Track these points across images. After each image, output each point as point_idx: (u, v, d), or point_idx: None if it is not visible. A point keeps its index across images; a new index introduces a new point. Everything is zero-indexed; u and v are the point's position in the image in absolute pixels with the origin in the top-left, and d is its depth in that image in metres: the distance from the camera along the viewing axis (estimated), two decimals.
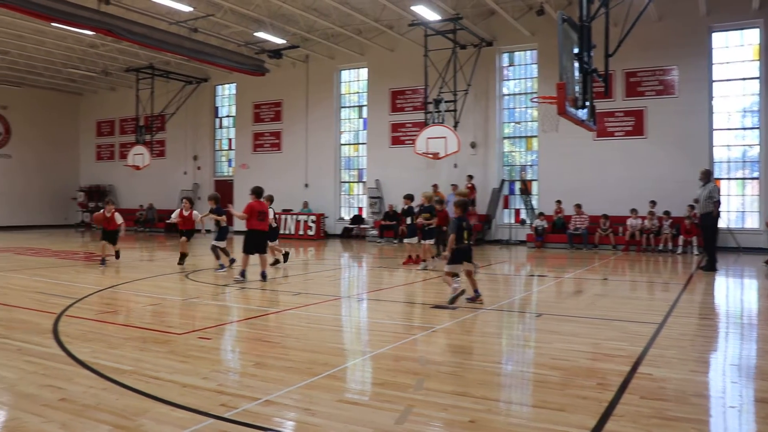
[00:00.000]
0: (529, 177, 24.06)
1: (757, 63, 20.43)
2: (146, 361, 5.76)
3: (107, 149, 35.75)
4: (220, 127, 32.14)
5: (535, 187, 23.82)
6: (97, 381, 5.07)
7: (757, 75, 20.41)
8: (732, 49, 21.00)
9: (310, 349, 6.33)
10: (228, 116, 31.79)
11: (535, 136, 23.78)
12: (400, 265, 15.02)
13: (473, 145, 23.99)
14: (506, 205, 24.12)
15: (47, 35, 24.82)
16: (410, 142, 24.01)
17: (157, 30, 21.72)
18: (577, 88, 11.47)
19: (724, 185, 20.69)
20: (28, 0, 17.65)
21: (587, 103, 11.99)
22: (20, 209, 32.55)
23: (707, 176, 14.46)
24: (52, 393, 4.74)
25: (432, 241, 14.45)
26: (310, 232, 25.99)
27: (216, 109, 32.09)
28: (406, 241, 16.18)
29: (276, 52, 26.36)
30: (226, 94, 31.82)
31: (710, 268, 13.99)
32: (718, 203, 14.16)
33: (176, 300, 9.58)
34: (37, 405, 4.48)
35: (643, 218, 20.44)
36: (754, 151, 20.77)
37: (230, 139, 31.63)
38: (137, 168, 29.12)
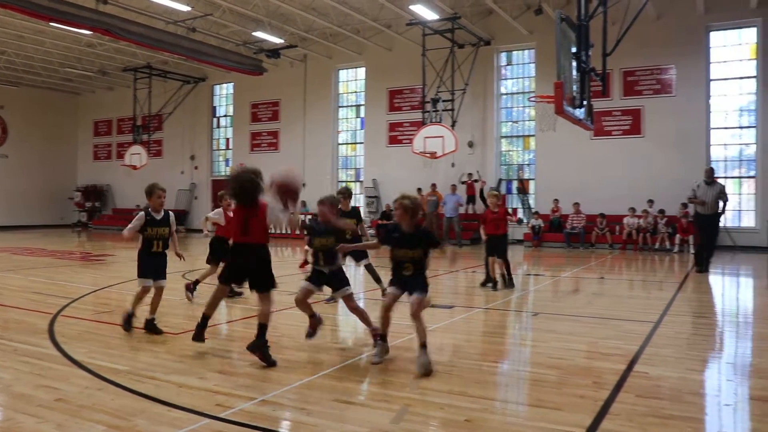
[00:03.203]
0: (526, 176, 24.11)
1: (754, 62, 20.50)
2: (142, 361, 5.76)
3: (104, 149, 35.74)
4: (218, 126, 32.14)
5: (532, 186, 23.84)
6: (92, 381, 5.06)
7: (754, 74, 20.49)
8: (729, 48, 21.06)
9: (305, 348, 6.33)
10: (226, 116, 31.80)
11: (532, 135, 23.80)
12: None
13: (471, 145, 24.00)
14: (504, 205, 24.08)
15: (46, 35, 24.81)
16: (408, 141, 24.02)
17: (154, 29, 21.73)
18: (574, 87, 11.48)
19: None
20: (28, 0, 17.67)
21: (585, 102, 12.01)
22: (17, 209, 32.51)
23: (713, 175, 13.64)
24: (48, 393, 4.73)
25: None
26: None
27: (214, 108, 32.09)
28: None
29: (274, 52, 26.37)
30: (224, 93, 31.82)
31: (706, 269, 13.53)
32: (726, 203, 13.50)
33: (173, 300, 9.55)
34: (33, 405, 4.47)
35: (640, 217, 20.47)
36: (751, 150, 20.84)
37: (228, 139, 31.65)
38: (134, 168, 29.16)
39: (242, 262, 5.85)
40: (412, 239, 5.63)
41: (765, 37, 20.05)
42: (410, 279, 5.65)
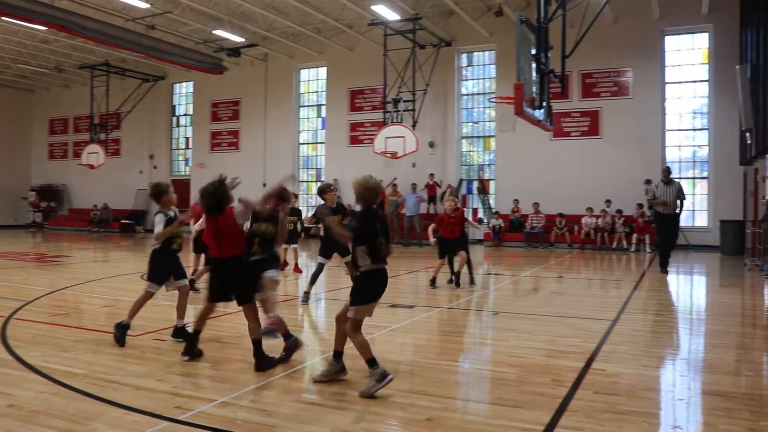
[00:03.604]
0: (486, 176, 24.31)
1: (707, 66, 21.01)
2: (99, 364, 5.65)
3: (60, 148, 34.96)
4: (177, 125, 31.73)
5: (492, 187, 24.06)
6: (47, 386, 4.95)
7: (707, 78, 20.99)
8: (683, 52, 21.57)
9: (266, 349, 6.26)
10: (185, 115, 31.41)
11: (492, 136, 24.02)
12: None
13: (431, 145, 24.12)
14: (464, 204, 24.31)
15: None
16: (369, 141, 24.04)
17: (112, 26, 21.37)
18: (534, 89, 11.60)
19: None
20: None
21: (544, 104, 12.14)
22: None
23: (670, 174, 13.54)
24: None
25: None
26: None
27: (173, 107, 31.68)
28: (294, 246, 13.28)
29: (235, 51, 26.15)
30: (184, 92, 31.43)
31: (666, 268, 13.42)
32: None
33: (131, 301, 9.39)
34: None
35: (598, 217, 20.83)
36: (704, 152, 21.38)
37: (187, 138, 31.28)
38: (91, 167, 28.65)
39: (225, 278, 5.67)
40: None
41: (717, 42, 20.58)
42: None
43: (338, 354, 5.11)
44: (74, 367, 5.47)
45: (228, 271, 5.63)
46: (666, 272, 13.34)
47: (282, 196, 6.05)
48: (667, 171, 13.66)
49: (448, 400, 4.73)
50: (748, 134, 17.01)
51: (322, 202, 9.48)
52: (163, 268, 6.63)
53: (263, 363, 5.44)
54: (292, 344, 5.83)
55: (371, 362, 4.80)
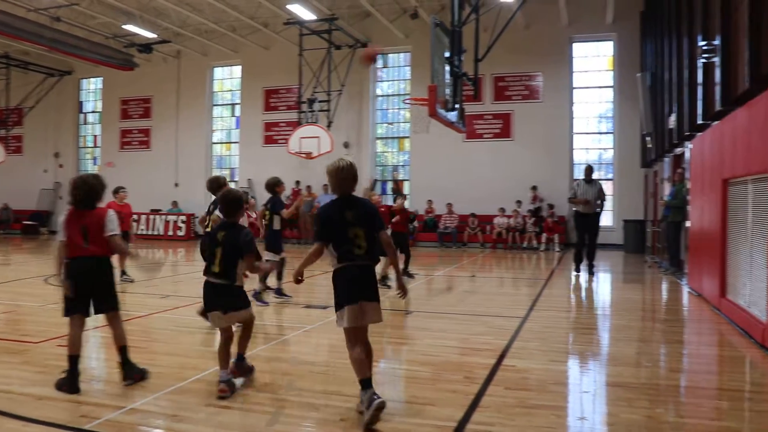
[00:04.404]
0: (401, 177, 24.54)
1: (611, 73, 21.97)
2: None
3: None
4: (85, 123, 30.52)
5: (407, 187, 24.30)
6: None
7: (611, 84, 21.95)
8: (590, 58, 22.48)
9: (178, 353, 6.14)
10: (94, 112, 30.26)
11: (407, 137, 24.29)
12: None
13: (346, 145, 24.15)
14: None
15: None
16: (283, 141, 23.82)
17: (12, 16, 20.29)
18: (447, 91, 11.79)
19: None
20: None
21: (457, 106, 12.37)
22: None
23: (592, 173, 13.15)
24: None
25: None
26: (180, 233, 25.29)
27: (80, 104, 30.45)
28: None
29: (146, 47, 25.36)
30: (92, 88, 30.28)
31: (592, 272, 13.03)
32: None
33: (33, 306, 8.98)
34: None
35: (509, 217, 21.41)
36: (609, 155, 22.31)
37: (96, 136, 30.14)
38: None
39: (81, 281, 4.94)
40: None
41: (620, 50, 21.55)
42: None
43: (361, 382, 4.29)
44: None
45: (89, 270, 4.98)
46: (590, 274, 12.97)
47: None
48: (590, 170, 13.22)
49: None
50: (648, 138, 17.88)
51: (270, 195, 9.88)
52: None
53: (131, 372, 5.05)
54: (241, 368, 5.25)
55: (363, 383, 4.26)
